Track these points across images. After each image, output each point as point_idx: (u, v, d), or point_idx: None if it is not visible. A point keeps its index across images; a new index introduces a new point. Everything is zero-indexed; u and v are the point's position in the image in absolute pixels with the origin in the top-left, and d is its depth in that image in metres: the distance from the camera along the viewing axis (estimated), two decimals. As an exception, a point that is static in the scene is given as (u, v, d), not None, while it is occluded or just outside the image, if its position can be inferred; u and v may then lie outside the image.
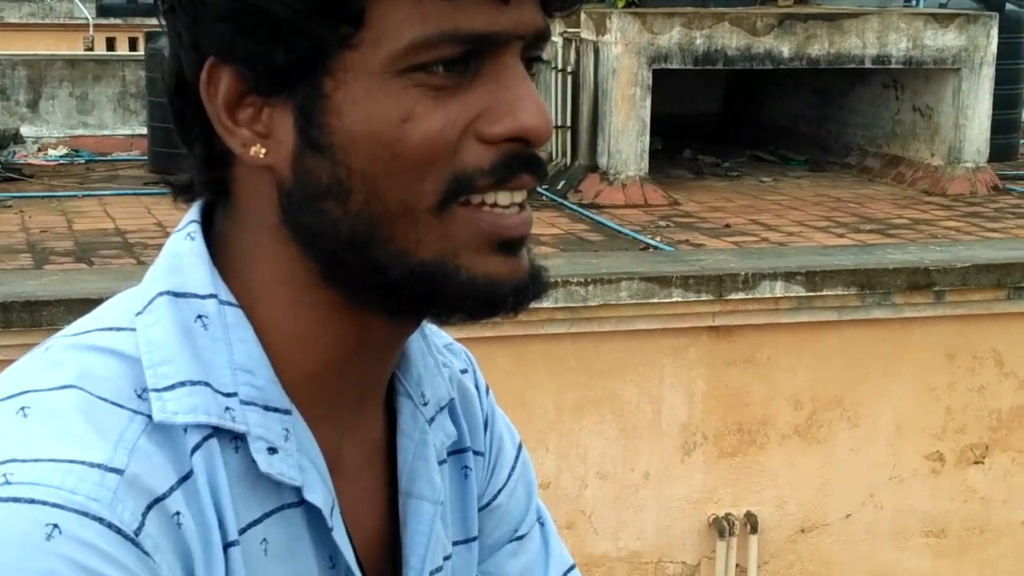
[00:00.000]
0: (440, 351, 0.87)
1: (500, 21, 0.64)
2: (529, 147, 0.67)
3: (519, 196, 0.67)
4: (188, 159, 0.73)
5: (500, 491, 0.90)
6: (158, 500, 0.63)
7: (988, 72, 7.11)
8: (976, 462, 2.77)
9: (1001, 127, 7.91)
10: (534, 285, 0.67)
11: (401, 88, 0.63)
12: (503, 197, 0.66)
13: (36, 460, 0.61)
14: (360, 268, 0.67)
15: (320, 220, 0.66)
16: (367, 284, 0.67)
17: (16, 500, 0.59)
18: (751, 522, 2.76)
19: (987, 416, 2.80)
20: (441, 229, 0.66)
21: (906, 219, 7.27)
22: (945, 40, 7.12)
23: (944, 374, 2.76)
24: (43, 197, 7.36)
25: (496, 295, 0.67)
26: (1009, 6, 9.80)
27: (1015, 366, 2.82)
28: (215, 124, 0.68)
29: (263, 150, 0.66)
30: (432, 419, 0.82)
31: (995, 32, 7.50)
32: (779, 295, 2.62)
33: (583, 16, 7.34)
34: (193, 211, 0.73)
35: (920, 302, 2.69)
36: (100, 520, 0.60)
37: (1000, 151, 7.98)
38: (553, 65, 7.96)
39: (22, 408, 0.65)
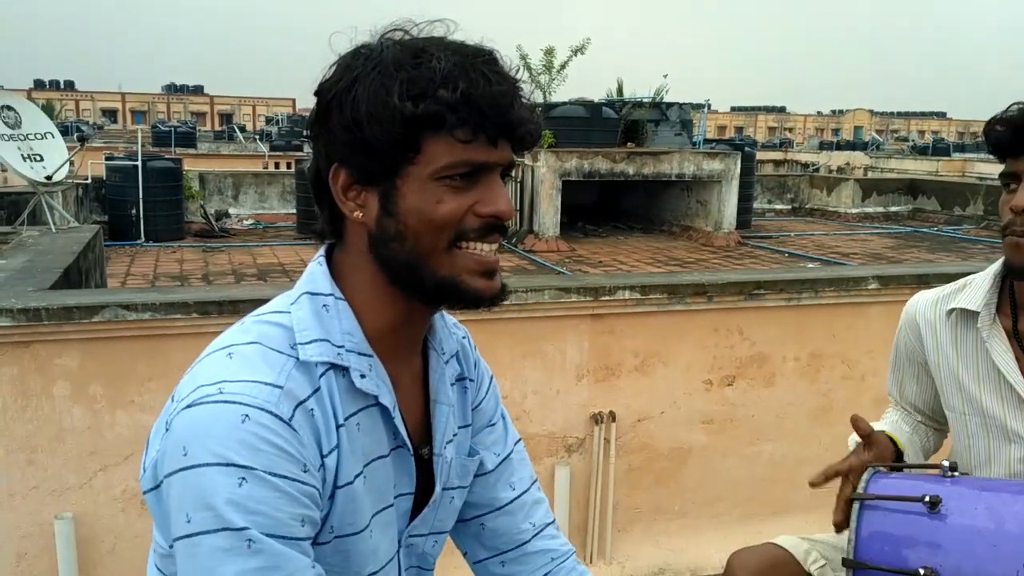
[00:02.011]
0: (450, 325, 1.16)
1: (492, 156, 0.95)
2: (501, 221, 0.97)
3: (493, 246, 0.99)
4: (320, 220, 1.03)
5: (483, 399, 1.21)
6: (301, 402, 0.91)
7: (735, 182, 9.69)
8: (728, 384, 3.89)
9: (742, 211, 10.46)
10: (502, 294, 1.00)
11: (436, 187, 0.94)
12: (483, 246, 0.97)
13: (236, 380, 0.89)
14: (410, 278, 0.97)
15: (389, 252, 0.96)
16: (414, 287, 0.98)
17: (226, 402, 0.88)
18: (612, 416, 3.76)
19: (734, 360, 3.86)
20: (451, 261, 0.96)
21: (692, 259, 9.03)
22: (713, 166, 9.44)
23: (712, 338, 3.81)
24: (240, 246, 10.39)
25: (481, 298, 0.99)
26: (747, 149, 12.17)
27: (749, 334, 3.88)
28: (336, 199, 0.97)
29: (360, 214, 0.97)
30: (447, 362, 1.12)
31: (739, 161, 10.00)
32: (627, 298, 3.67)
33: (525, 152, 10.90)
34: (321, 249, 1.03)
35: (700, 301, 3.79)
36: (270, 412, 0.88)
37: (741, 223, 10.61)
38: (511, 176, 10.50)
39: (229, 353, 0.94)
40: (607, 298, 3.78)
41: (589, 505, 3.87)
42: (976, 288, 1.63)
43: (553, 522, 1.23)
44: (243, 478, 0.85)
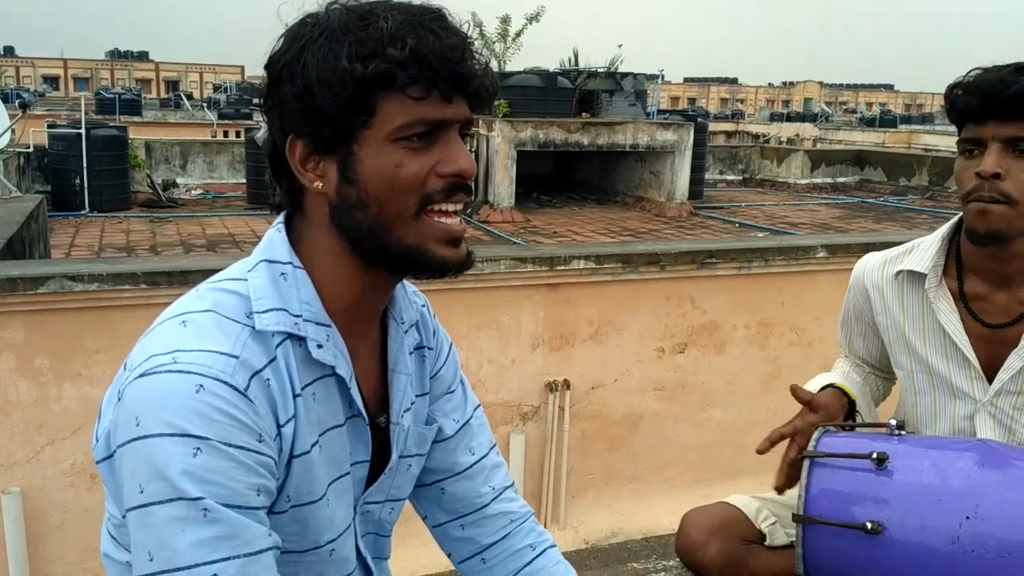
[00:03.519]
0: (410, 295, 1.16)
1: (447, 112, 0.94)
2: (464, 180, 0.96)
3: (459, 206, 0.97)
4: (277, 190, 1.02)
5: (441, 367, 1.21)
6: (257, 372, 0.90)
7: (688, 153, 9.76)
8: (680, 352, 3.98)
9: (694, 182, 10.53)
10: (468, 262, 1.00)
11: (395, 149, 0.92)
12: (449, 206, 0.96)
13: (190, 350, 0.88)
14: (374, 247, 0.96)
15: (352, 221, 0.95)
16: (377, 256, 0.97)
17: (180, 371, 0.86)
18: (567, 384, 3.86)
19: (686, 328, 3.95)
20: (417, 228, 0.95)
21: (646, 229, 9.28)
22: (666, 136, 9.49)
23: (664, 307, 3.89)
24: (188, 216, 10.19)
25: (448, 267, 0.98)
26: (700, 120, 12.28)
27: (700, 302, 3.97)
28: (294, 171, 0.96)
29: (320, 184, 0.95)
30: (407, 331, 1.11)
31: (692, 132, 10.04)
32: (582, 267, 3.71)
33: (480, 122, 9.70)
34: (280, 217, 1.01)
35: (653, 270, 3.86)
36: (225, 383, 0.87)
37: (694, 194, 10.69)
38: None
39: (183, 321, 0.92)
40: (562, 268, 3.83)
41: (543, 472, 3.94)
42: (924, 251, 1.68)
43: (512, 485, 1.25)
44: (198, 448, 0.84)
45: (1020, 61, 1.49)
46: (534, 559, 1.22)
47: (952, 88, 1.51)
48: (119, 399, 0.89)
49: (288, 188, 1.00)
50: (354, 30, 0.90)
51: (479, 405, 1.27)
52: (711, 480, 4.15)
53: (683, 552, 1.65)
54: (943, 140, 18.19)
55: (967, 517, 1.25)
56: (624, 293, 3.95)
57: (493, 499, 1.22)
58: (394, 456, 1.09)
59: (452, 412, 1.22)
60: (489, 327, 3.75)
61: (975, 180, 1.46)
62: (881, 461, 1.34)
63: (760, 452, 1.53)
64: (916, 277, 1.66)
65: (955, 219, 1.64)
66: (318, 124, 0.93)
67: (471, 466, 1.22)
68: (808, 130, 26.93)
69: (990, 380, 1.60)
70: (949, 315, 1.62)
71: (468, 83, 0.94)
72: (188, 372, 0.87)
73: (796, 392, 1.54)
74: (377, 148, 0.93)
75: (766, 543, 1.58)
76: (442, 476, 1.22)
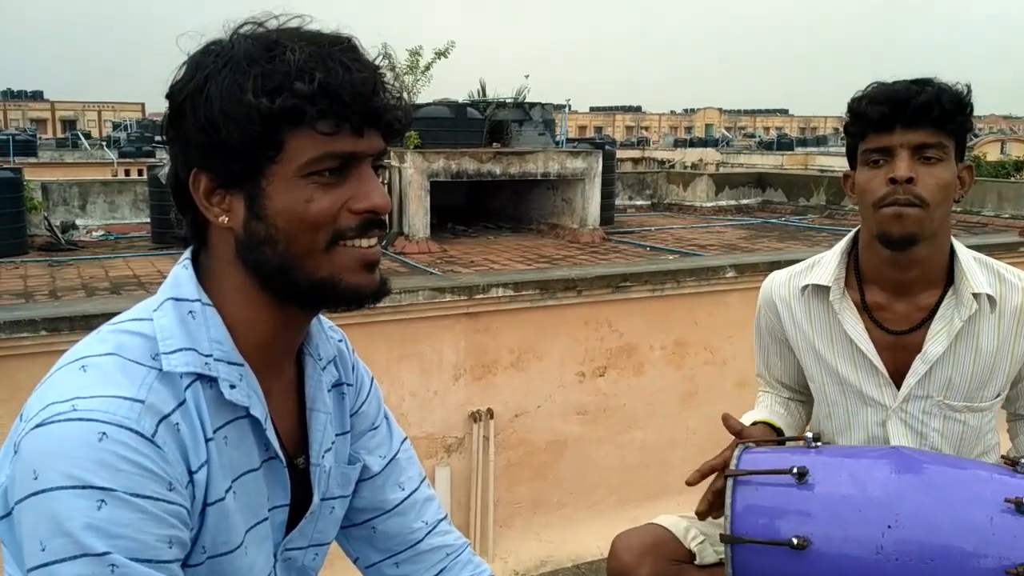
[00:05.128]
0: (326, 330, 1.12)
1: (359, 146, 0.90)
2: (378, 216, 0.92)
3: (373, 241, 0.94)
4: (182, 224, 0.98)
5: (363, 403, 1.16)
6: (165, 416, 0.86)
7: (598, 180, 9.94)
8: (600, 375, 4.07)
9: (605, 207, 10.64)
10: (384, 288, 0.96)
11: (305, 184, 0.89)
12: (363, 243, 0.93)
13: (91, 396, 0.83)
14: (283, 282, 0.92)
15: (260, 256, 0.91)
16: (288, 292, 0.93)
17: (80, 419, 0.81)
18: (491, 413, 3.94)
19: (605, 351, 4.05)
20: (330, 260, 0.91)
21: (561, 255, 9.41)
22: (576, 164, 9.45)
23: (583, 331, 3.98)
24: (90, 259, 9.60)
25: (363, 295, 0.94)
26: (607, 147, 12.39)
27: (617, 325, 4.08)
28: (199, 205, 0.92)
29: (226, 219, 0.91)
30: (324, 368, 1.07)
31: (601, 160, 10.19)
32: (500, 295, 3.80)
33: (392, 153, 9.49)
34: (186, 253, 0.97)
35: (571, 295, 3.96)
36: (130, 429, 0.82)
37: (605, 219, 10.74)
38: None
39: (83, 366, 0.87)
40: (481, 296, 3.90)
41: (470, 504, 3.94)
42: (825, 265, 1.73)
43: (445, 517, 1.21)
44: (102, 500, 0.80)
45: (917, 77, 1.58)
46: None
47: (859, 100, 1.58)
48: (15, 452, 0.84)
49: (193, 222, 0.96)
50: (260, 61, 0.87)
51: (406, 438, 1.23)
52: (636, 501, 4.18)
53: (615, 575, 1.64)
54: (837, 161, 19.03)
55: (888, 526, 1.28)
56: (543, 319, 4.03)
57: (427, 534, 1.18)
58: (315, 499, 1.05)
59: (377, 448, 1.18)
60: (410, 359, 3.77)
61: (887, 186, 1.52)
62: (802, 475, 1.36)
63: (690, 484, 1.54)
64: (821, 290, 1.71)
65: (851, 233, 1.72)
66: (223, 158, 0.89)
67: (402, 502, 1.18)
68: (711, 155, 27.82)
69: (899, 387, 1.65)
70: (855, 325, 1.66)
71: (380, 116, 0.92)
72: (89, 420, 0.82)
73: (728, 422, 1.56)
74: (286, 184, 0.90)
75: (696, 562, 1.59)
76: (372, 515, 1.17)
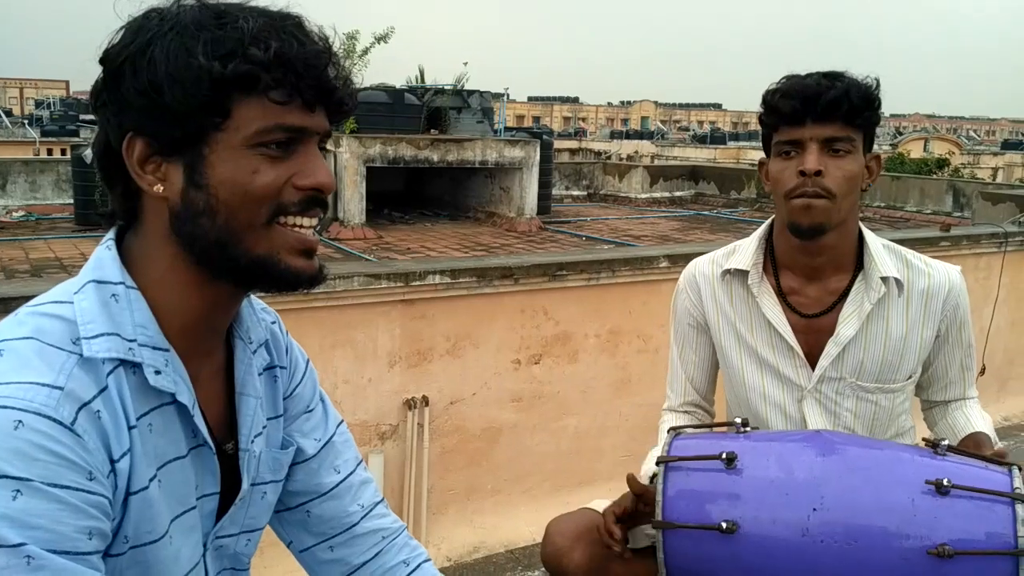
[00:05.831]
0: (258, 311, 1.10)
1: (309, 121, 0.89)
2: (322, 194, 0.92)
3: (314, 221, 0.93)
4: (110, 199, 0.94)
5: (297, 386, 1.14)
6: (85, 404, 0.83)
7: (535, 170, 10.02)
8: (535, 363, 4.02)
9: (542, 197, 10.76)
10: (321, 275, 0.95)
11: (251, 155, 0.87)
12: (304, 221, 0.92)
13: (7, 383, 0.80)
14: (220, 257, 0.90)
15: (197, 229, 0.88)
16: (224, 267, 0.91)
17: None
18: (425, 400, 3.83)
19: (540, 339, 4.01)
20: (268, 237, 0.90)
21: (498, 244, 9.09)
22: (514, 153, 9.42)
23: (519, 319, 3.92)
24: (10, 240, 9.33)
25: (300, 279, 0.93)
26: (545, 137, 12.59)
27: (553, 314, 4.03)
28: (131, 172, 0.88)
29: (161, 188, 0.88)
30: (255, 351, 1.05)
31: (538, 149, 10.30)
32: (437, 283, 3.71)
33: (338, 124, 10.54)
34: (110, 233, 0.94)
35: (508, 283, 3.89)
36: (48, 417, 0.80)
37: (542, 209, 10.88)
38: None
39: None
40: (417, 283, 3.80)
41: (404, 491, 3.91)
42: (744, 251, 1.82)
43: (382, 501, 1.21)
44: (17, 490, 0.77)
45: (829, 70, 1.64)
46: (409, 575, 1.18)
47: (772, 93, 1.62)
48: None
49: (123, 193, 0.93)
50: (210, 27, 0.85)
51: (342, 421, 1.21)
52: (569, 488, 4.21)
53: (548, 560, 1.65)
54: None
55: (814, 509, 1.31)
56: (480, 307, 3.97)
57: (363, 517, 1.18)
58: (245, 484, 1.03)
59: (312, 432, 1.16)
60: (344, 346, 3.66)
61: (797, 178, 1.58)
62: (731, 460, 1.39)
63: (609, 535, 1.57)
64: (740, 275, 1.80)
65: (768, 221, 1.79)
66: (164, 123, 0.87)
67: (337, 485, 1.17)
68: (646, 147, 28.16)
69: (814, 368, 1.73)
70: (772, 307, 1.75)
71: (332, 93, 0.91)
72: (5, 407, 0.79)
73: (631, 483, 1.56)
74: (231, 153, 0.88)
75: (629, 545, 1.60)
76: (307, 498, 1.16)
